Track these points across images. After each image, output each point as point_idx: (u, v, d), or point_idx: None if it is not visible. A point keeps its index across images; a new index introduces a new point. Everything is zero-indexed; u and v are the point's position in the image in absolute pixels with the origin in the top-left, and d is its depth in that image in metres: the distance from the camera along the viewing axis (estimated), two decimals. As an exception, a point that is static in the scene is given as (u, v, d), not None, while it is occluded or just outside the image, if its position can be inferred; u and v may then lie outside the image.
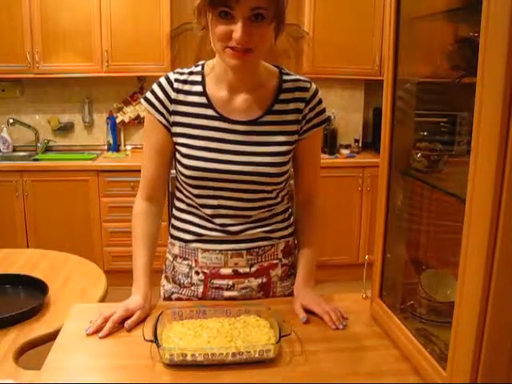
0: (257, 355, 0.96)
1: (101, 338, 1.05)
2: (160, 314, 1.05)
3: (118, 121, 3.86)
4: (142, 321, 1.11)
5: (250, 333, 1.03)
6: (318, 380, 0.94)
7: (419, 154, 1.09)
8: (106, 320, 1.08)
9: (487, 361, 0.75)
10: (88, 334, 1.06)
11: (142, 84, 3.86)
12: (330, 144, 3.80)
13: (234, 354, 0.96)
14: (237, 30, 1.00)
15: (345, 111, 4.02)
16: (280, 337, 0.99)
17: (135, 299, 1.14)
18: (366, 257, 1.20)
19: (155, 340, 0.97)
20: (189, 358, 0.95)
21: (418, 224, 1.23)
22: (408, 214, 1.20)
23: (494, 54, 0.68)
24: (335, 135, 3.86)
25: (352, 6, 3.58)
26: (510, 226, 0.70)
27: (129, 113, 3.88)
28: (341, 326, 1.11)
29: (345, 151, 3.83)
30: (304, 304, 1.17)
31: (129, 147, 3.91)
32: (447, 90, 1.14)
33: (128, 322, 1.09)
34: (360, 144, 3.97)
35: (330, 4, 3.56)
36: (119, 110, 3.88)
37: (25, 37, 3.40)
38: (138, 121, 3.91)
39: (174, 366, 0.96)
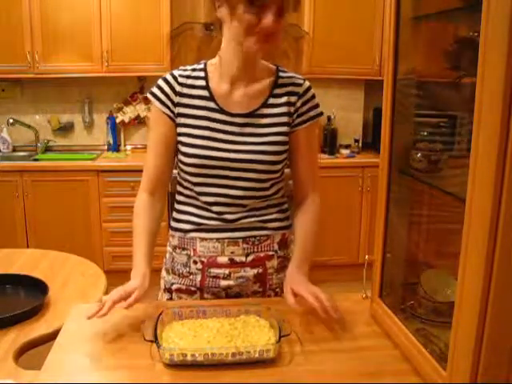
0: (257, 355, 0.96)
1: (100, 316, 1.04)
2: (160, 314, 1.05)
3: (118, 121, 3.86)
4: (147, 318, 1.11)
5: (250, 333, 1.04)
6: (318, 380, 0.94)
7: (419, 154, 1.09)
8: (101, 304, 1.07)
9: (487, 361, 0.75)
10: (89, 317, 1.04)
11: (142, 84, 3.86)
12: (330, 144, 3.80)
13: (233, 354, 0.96)
14: (270, 19, 1.07)
15: (345, 111, 4.02)
16: (280, 337, 0.99)
17: (134, 281, 1.14)
18: (366, 257, 1.20)
19: (155, 340, 0.97)
20: (189, 357, 0.95)
21: (418, 224, 1.23)
22: (408, 214, 1.20)
23: (494, 54, 0.68)
24: (335, 135, 3.85)
25: (352, 6, 3.58)
26: (510, 226, 0.70)
27: (129, 113, 3.88)
28: (334, 316, 1.08)
29: (345, 151, 3.83)
30: (294, 287, 1.15)
31: (129, 147, 3.91)
32: (447, 89, 1.14)
33: (128, 301, 1.08)
34: (360, 144, 3.97)
35: (330, 4, 3.56)
36: (119, 110, 3.88)
37: (25, 37, 3.39)
38: (138, 121, 3.91)
39: (173, 366, 0.96)
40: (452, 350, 0.82)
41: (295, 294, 1.14)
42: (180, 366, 0.96)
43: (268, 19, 1.08)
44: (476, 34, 0.72)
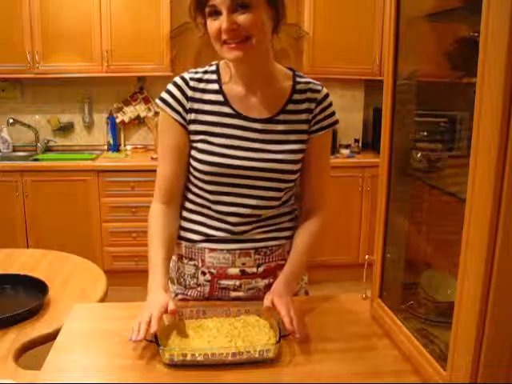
0: (257, 355, 0.96)
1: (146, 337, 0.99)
2: (160, 314, 1.05)
3: (118, 121, 3.86)
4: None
5: (250, 333, 1.04)
6: (318, 380, 0.94)
7: (419, 154, 1.09)
8: (147, 323, 1.00)
9: (487, 361, 0.75)
10: (135, 341, 0.99)
11: (141, 84, 3.86)
12: (330, 144, 3.79)
13: (234, 354, 0.96)
14: (223, 21, 1.04)
15: (345, 111, 4.01)
16: (280, 337, 0.99)
17: (158, 296, 1.07)
18: (366, 257, 1.20)
19: (155, 340, 0.97)
20: (189, 358, 0.95)
21: (418, 224, 1.23)
22: (408, 214, 1.20)
23: (494, 54, 0.68)
24: (335, 135, 3.85)
25: (352, 6, 3.57)
26: (510, 226, 0.70)
27: (129, 113, 3.88)
28: (297, 335, 1.04)
29: (345, 151, 3.83)
30: (275, 301, 1.10)
31: (129, 147, 3.91)
32: (447, 89, 1.14)
33: (171, 311, 1.02)
34: (360, 144, 3.97)
35: (330, 4, 3.56)
36: (119, 110, 3.88)
37: (25, 37, 3.39)
38: (138, 121, 3.91)
39: (174, 366, 0.96)
40: (452, 350, 0.82)
41: (273, 304, 1.10)
42: (180, 366, 0.96)
43: (223, 23, 1.04)
44: (476, 34, 0.72)
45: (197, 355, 0.95)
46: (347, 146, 3.89)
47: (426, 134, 1.17)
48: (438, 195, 1.05)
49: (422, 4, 1.08)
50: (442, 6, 1.02)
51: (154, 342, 0.97)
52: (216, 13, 1.05)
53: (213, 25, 1.06)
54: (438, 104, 1.19)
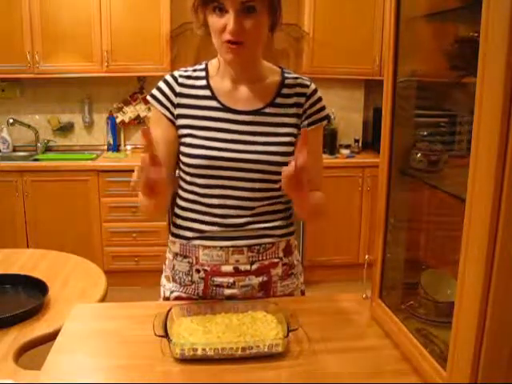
0: (266, 349, 0.98)
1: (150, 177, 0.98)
2: (169, 311, 1.07)
3: (118, 121, 3.86)
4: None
5: (259, 328, 1.05)
6: (319, 380, 0.94)
7: (419, 154, 1.09)
8: (141, 169, 1.00)
9: (487, 361, 0.75)
10: (133, 187, 0.98)
11: (141, 84, 3.86)
12: (330, 144, 3.80)
13: (243, 349, 0.97)
14: (229, 22, 1.06)
15: (345, 111, 4.02)
16: (288, 331, 1.00)
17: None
18: (366, 257, 1.20)
19: (166, 335, 0.98)
20: (199, 352, 0.96)
21: (418, 224, 1.23)
22: (408, 214, 1.20)
23: (494, 54, 0.68)
24: (335, 135, 3.85)
25: (352, 7, 3.58)
26: (510, 226, 0.70)
27: (129, 113, 3.88)
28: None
29: (345, 151, 3.83)
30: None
31: (129, 147, 3.91)
32: (447, 89, 1.14)
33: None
34: (360, 144, 3.97)
35: (330, 4, 3.56)
36: (119, 109, 3.88)
37: (25, 37, 3.39)
38: (138, 121, 3.91)
39: (183, 360, 0.96)
40: (452, 350, 0.82)
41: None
42: (189, 360, 0.97)
43: (229, 25, 1.05)
44: (476, 34, 0.72)
45: (207, 350, 0.96)
46: (347, 146, 3.89)
47: (425, 133, 1.17)
48: (438, 195, 1.05)
49: (422, 4, 1.08)
50: (442, 6, 1.02)
51: (165, 337, 0.98)
52: (221, 10, 1.07)
53: (218, 21, 1.08)
54: (438, 104, 1.19)
